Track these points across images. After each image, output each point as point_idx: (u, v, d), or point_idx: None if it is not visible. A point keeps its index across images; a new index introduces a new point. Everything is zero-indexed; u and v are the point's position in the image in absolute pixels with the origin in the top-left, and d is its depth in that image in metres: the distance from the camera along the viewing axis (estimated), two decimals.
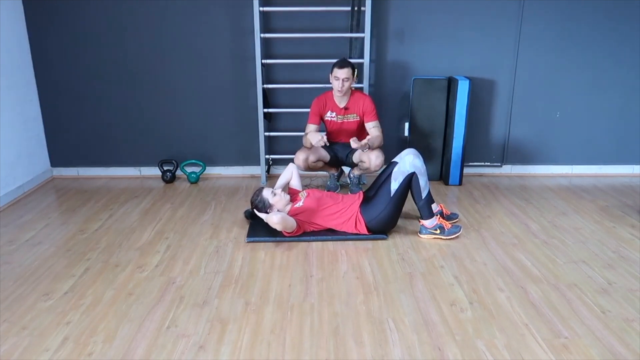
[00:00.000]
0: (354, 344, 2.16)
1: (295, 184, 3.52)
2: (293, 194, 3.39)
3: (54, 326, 2.31)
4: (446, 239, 3.18)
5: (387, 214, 3.14)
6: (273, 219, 3.03)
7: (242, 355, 2.10)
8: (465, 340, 2.18)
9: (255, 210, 3.27)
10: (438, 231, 3.18)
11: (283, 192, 3.26)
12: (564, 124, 4.43)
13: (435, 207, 3.34)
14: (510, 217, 3.56)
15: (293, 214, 3.20)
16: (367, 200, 3.23)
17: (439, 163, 4.35)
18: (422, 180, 3.14)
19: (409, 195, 3.20)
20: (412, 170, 3.11)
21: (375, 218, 3.14)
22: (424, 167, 3.19)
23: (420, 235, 3.21)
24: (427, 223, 3.19)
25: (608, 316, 2.36)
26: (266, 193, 3.24)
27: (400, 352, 2.11)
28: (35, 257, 2.99)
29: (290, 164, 3.59)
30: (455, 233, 3.19)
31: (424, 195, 3.15)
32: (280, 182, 3.48)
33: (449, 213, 3.47)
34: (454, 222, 3.35)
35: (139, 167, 4.57)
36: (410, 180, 3.11)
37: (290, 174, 3.52)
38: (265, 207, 3.22)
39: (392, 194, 3.11)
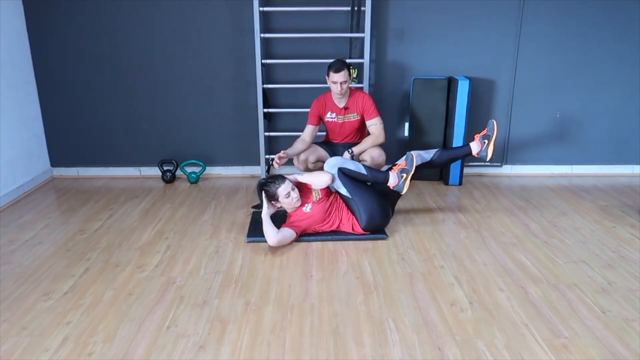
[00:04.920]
0: (354, 344, 2.16)
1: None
2: (305, 191, 3.27)
3: (54, 326, 2.31)
4: (413, 171, 3.20)
5: (365, 211, 3.14)
6: (271, 238, 2.99)
7: (242, 355, 2.10)
8: (465, 340, 2.18)
9: (263, 192, 3.18)
10: (404, 175, 3.21)
11: (298, 198, 3.17)
12: (564, 124, 4.43)
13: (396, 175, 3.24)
14: (510, 217, 3.56)
15: (297, 217, 3.17)
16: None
17: None
18: (351, 166, 3.23)
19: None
20: (335, 169, 3.20)
21: (364, 220, 3.16)
22: (342, 159, 3.30)
23: (402, 192, 3.24)
24: (392, 183, 3.22)
25: (608, 316, 2.36)
26: (283, 189, 3.11)
27: (400, 352, 2.11)
28: (35, 257, 2.99)
29: (330, 174, 3.23)
30: (412, 160, 3.21)
31: (365, 173, 3.22)
32: (309, 179, 3.30)
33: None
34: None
35: (139, 167, 4.57)
36: (345, 176, 3.19)
37: (322, 179, 3.25)
38: (273, 198, 3.16)
39: (351, 197, 3.18)
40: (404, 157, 3.28)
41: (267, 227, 3.05)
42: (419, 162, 3.33)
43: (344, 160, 3.29)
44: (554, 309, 2.41)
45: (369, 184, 3.33)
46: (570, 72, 4.29)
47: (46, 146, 4.49)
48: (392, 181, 3.23)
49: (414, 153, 3.29)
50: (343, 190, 3.21)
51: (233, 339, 2.20)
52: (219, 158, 4.54)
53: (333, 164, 3.25)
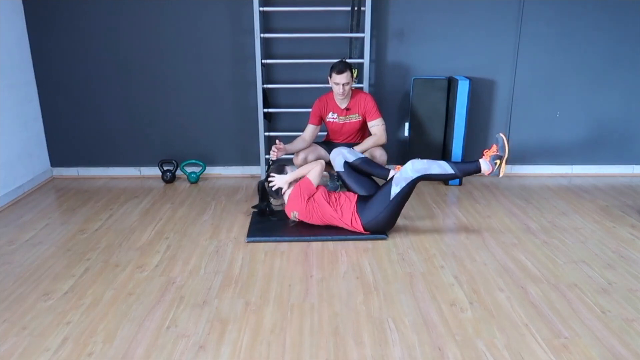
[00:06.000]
0: (354, 344, 2.16)
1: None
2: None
3: (54, 326, 2.31)
4: (507, 155, 3.12)
5: (385, 216, 3.12)
6: (318, 168, 3.22)
7: (242, 355, 2.10)
8: (465, 340, 2.18)
9: (271, 175, 3.36)
10: (498, 162, 3.13)
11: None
12: (564, 124, 4.43)
13: (486, 164, 3.15)
14: (510, 217, 3.56)
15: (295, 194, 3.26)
16: (364, 200, 3.20)
17: None
18: (437, 170, 3.09)
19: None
20: (417, 175, 3.05)
21: (373, 220, 3.13)
22: (427, 161, 3.10)
23: (500, 175, 3.17)
24: (486, 170, 3.13)
25: (608, 316, 2.36)
26: (281, 180, 3.31)
27: (400, 352, 2.11)
28: (35, 257, 2.99)
29: (321, 161, 3.34)
30: (504, 145, 3.14)
31: (453, 171, 3.11)
32: (301, 171, 3.32)
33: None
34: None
35: (139, 167, 4.57)
36: (413, 185, 3.08)
37: (311, 169, 3.29)
38: (274, 192, 3.36)
39: (391, 198, 3.08)
40: (494, 142, 3.19)
41: (305, 166, 3.30)
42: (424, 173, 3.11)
43: (430, 164, 3.08)
44: (554, 309, 2.41)
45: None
46: (570, 72, 4.29)
47: (46, 146, 4.49)
48: (486, 169, 3.13)
49: (503, 135, 3.16)
50: (395, 189, 3.06)
51: (233, 339, 2.20)
52: (219, 158, 4.54)
53: (419, 168, 3.06)
